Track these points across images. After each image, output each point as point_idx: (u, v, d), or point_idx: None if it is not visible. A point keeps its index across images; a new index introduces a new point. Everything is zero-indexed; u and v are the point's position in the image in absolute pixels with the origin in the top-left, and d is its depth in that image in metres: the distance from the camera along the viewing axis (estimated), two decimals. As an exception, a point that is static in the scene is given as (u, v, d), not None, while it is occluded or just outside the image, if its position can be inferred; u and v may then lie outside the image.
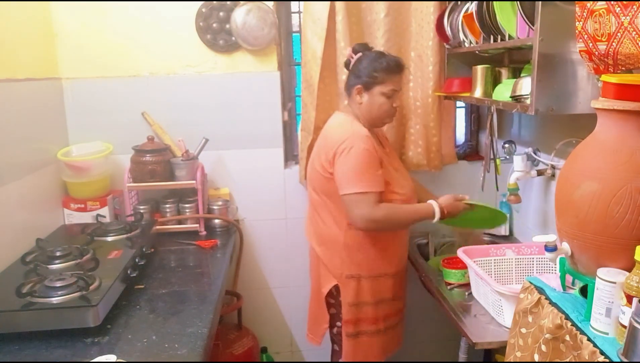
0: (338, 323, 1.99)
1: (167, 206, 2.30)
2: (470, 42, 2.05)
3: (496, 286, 1.56)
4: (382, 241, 1.92)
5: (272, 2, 2.31)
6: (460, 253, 1.79)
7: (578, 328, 1.13)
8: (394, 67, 1.88)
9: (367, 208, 1.78)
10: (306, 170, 2.37)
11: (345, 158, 1.80)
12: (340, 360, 2.02)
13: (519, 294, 1.38)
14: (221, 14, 2.29)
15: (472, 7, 1.94)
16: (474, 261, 1.75)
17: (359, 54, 1.93)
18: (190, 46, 2.32)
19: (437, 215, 1.86)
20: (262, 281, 2.59)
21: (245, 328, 2.45)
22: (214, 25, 2.30)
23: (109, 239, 1.94)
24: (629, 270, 1.06)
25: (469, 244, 1.99)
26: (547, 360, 1.19)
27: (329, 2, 2.19)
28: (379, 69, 1.86)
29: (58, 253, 1.72)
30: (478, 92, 2.04)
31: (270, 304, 2.62)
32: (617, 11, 1.20)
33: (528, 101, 1.60)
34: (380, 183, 1.82)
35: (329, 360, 2.15)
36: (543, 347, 1.20)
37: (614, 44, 1.23)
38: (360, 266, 1.92)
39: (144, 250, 1.90)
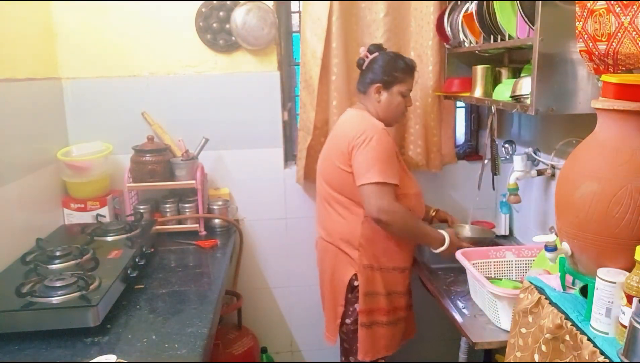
0: (347, 321, 1.99)
1: (167, 206, 2.30)
2: (470, 42, 2.05)
3: (490, 288, 1.56)
4: (395, 236, 1.94)
5: (272, 2, 2.31)
6: (459, 255, 1.79)
7: (578, 328, 1.13)
8: (411, 68, 1.99)
9: (387, 198, 1.81)
10: (305, 168, 2.37)
11: (365, 148, 1.82)
12: (351, 356, 2.01)
13: (519, 294, 1.38)
14: (221, 13, 2.29)
15: (472, 7, 1.94)
16: (473, 264, 1.75)
17: (375, 54, 1.98)
18: (190, 45, 2.32)
19: (446, 245, 1.90)
20: (262, 281, 2.59)
21: (245, 328, 2.45)
22: (214, 25, 2.30)
23: (109, 239, 1.94)
24: (629, 270, 1.06)
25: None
26: (547, 360, 1.19)
27: (328, 2, 2.19)
28: (398, 69, 1.95)
29: (58, 253, 1.72)
30: (478, 92, 2.04)
31: (270, 304, 2.62)
32: (617, 11, 1.20)
33: (528, 101, 1.60)
34: (397, 177, 1.86)
35: (329, 361, 2.15)
36: (543, 347, 1.20)
37: (614, 44, 1.23)
38: (375, 258, 1.93)
39: (144, 249, 1.90)
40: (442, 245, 1.91)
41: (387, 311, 1.97)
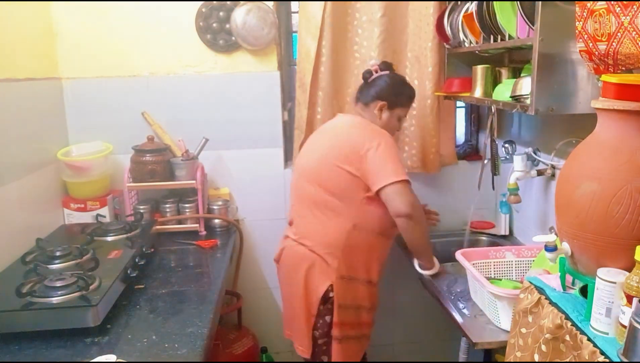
0: (315, 333, 1.94)
1: (167, 206, 2.30)
2: (470, 42, 2.05)
3: (490, 288, 1.55)
4: (378, 248, 1.97)
5: (272, 2, 2.31)
6: (459, 255, 1.79)
7: (578, 328, 1.13)
8: (413, 97, 2.09)
9: (412, 194, 1.86)
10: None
11: (381, 152, 1.85)
12: None
13: (519, 294, 1.38)
14: (221, 13, 2.30)
15: (472, 7, 1.94)
16: (473, 264, 1.75)
17: (385, 72, 2.02)
18: (190, 45, 2.32)
19: (434, 270, 2.01)
20: (262, 281, 2.59)
21: (245, 328, 2.45)
22: (214, 25, 2.30)
23: (109, 239, 1.94)
24: (629, 270, 1.06)
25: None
26: (547, 360, 1.19)
27: (323, 2, 2.20)
28: (404, 94, 2.04)
29: (58, 253, 1.72)
30: (478, 92, 2.04)
31: (270, 304, 2.62)
32: (617, 11, 1.20)
33: (528, 101, 1.60)
34: None
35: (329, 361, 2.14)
36: (543, 347, 1.20)
37: (614, 44, 1.23)
38: (353, 269, 1.91)
39: (144, 249, 1.90)
40: (432, 268, 2.00)
41: (358, 324, 1.96)
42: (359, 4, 2.28)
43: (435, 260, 2.01)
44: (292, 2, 2.49)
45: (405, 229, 1.86)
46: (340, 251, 1.89)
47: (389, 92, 1.99)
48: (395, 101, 2.00)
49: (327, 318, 1.91)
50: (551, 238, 1.25)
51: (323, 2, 2.20)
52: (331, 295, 1.89)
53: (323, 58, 2.26)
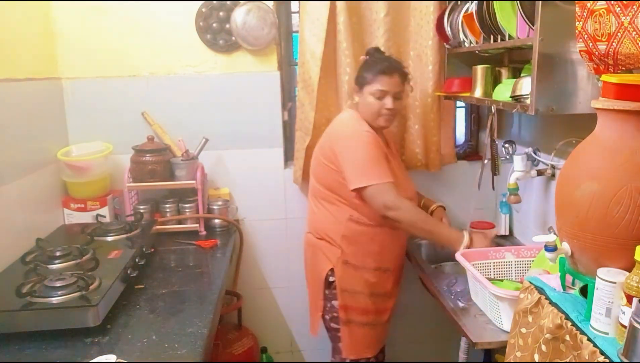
0: (326, 317, 2.03)
1: (167, 206, 2.30)
2: (470, 42, 2.05)
3: (492, 289, 1.55)
4: (379, 237, 1.97)
5: (272, 2, 2.31)
6: (459, 256, 1.78)
7: (578, 328, 1.13)
8: (381, 69, 1.91)
9: (390, 195, 1.83)
10: (303, 168, 2.37)
11: (352, 152, 1.86)
12: (336, 355, 2.05)
13: (519, 294, 1.38)
14: (221, 13, 2.30)
15: (472, 7, 1.94)
16: (473, 264, 1.75)
17: (367, 57, 2.03)
18: (190, 45, 2.33)
19: (465, 242, 1.85)
20: (262, 281, 2.59)
21: (245, 328, 2.45)
22: (214, 25, 2.30)
23: (109, 239, 1.94)
24: (629, 270, 1.06)
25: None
26: (547, 360, 1.19)
27: (328, 2, 2.19)
28: (367, 70, 1.95)
29: (58, 253, 1.72)
30: (478, 92, 2.04)
31: (270, 304, 2.62)
32: (617, 11, 1.20)
33: (528, 101, 1.60)
34: (390, 174, 1.88)
35: (329, 361, 2.15)
36: (543, 347, 1.20)
37: (614, 44, 1.23)
38: (356, 256, 1.97)
39: (144, 249, 1.90)
40: (462, 244, 1.86)
41: (367, 311, 2.00)
42: (363, 3, 2.27)
43: (459, 234, 1.88)
44: (292, 2, 2.49)
45: (393, 225, 1.91)
46: (340, 240, 1.96)
47: (357, 73, 1.99)
48: (360, 80, 1.95)
49: (334, 302, 1.99)
50: (551, 238, 1.25)
51: (328, 2, 2.19)
52: (331, 279, 1.98)
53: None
